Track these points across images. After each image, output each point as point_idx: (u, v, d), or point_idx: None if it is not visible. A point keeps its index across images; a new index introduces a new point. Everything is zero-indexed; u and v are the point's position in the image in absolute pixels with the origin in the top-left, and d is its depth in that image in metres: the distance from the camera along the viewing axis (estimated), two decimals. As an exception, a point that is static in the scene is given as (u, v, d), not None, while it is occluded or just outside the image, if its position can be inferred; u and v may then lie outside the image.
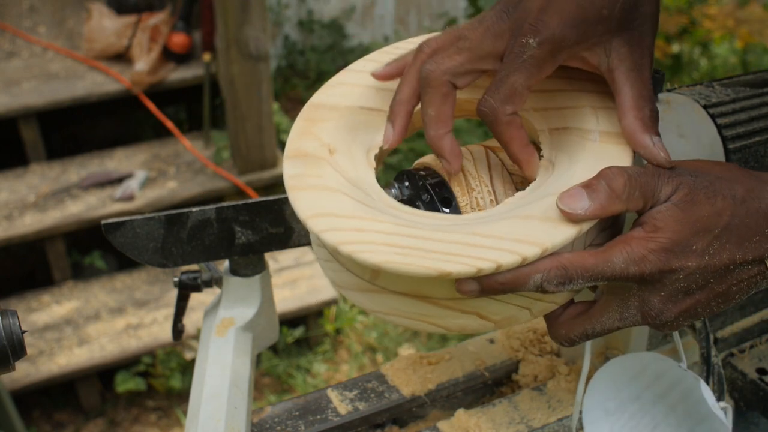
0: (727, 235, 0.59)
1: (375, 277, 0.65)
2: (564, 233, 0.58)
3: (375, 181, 0.69)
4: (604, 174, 0.59)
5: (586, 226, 0.58)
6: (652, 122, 0.63)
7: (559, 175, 0.63)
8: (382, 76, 0.72)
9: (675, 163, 0.62)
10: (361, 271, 0.65)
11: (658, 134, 0.63)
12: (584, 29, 0.62)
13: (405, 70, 0.69)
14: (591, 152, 0.64)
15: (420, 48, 0.67)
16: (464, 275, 0.57)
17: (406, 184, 0.71)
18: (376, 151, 0.71)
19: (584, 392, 0.83)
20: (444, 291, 0.62)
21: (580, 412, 0.82)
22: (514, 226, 0.59)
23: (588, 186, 0.59)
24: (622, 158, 0.63)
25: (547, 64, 0.63)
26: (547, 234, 0.58)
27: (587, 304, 0.65)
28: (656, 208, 0.59)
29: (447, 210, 0.67)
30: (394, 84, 0.72)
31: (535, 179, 0.66)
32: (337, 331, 3.01)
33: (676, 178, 0.60)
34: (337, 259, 0.68)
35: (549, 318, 0.66)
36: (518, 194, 0.64)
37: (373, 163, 0.70)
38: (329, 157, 0.68)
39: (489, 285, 0.59)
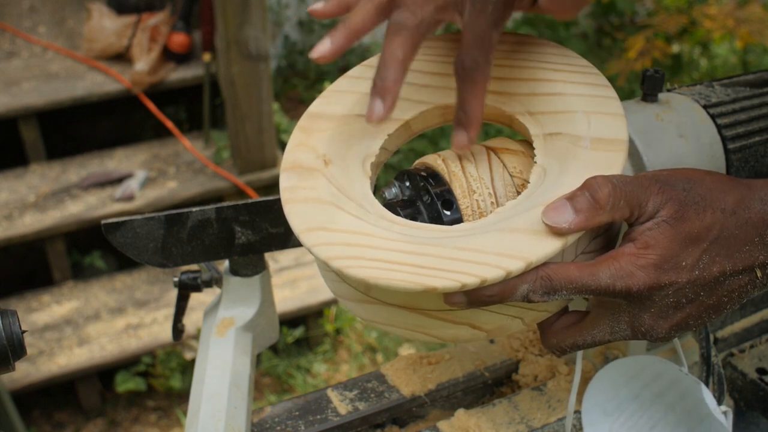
0: (716, 248, 0.59)
1: (368, 289, 0.66)
2: (549, 246, 0.58)
3: (370, 191, 0.69)
4: (588, 185, 0.59)
5: (572, 238, 0.59)
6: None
7: (549, 184, 0.63)
8: (321, 13, 0.72)
9: (668, 173, 0.62)
10: (355, 282, 0.66)
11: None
12: None
13: (357, 5, 0.70)
14: (581, 160, 0.64)
15: None
16: (449, 290, 0.58)
17: (407, 183, 0.71)
18: (372, 159, 0.72)
19: (575, 400, 0.83)
20: (434, 303, 0.63)
21: (576, 413, 0.83)
22: (499, 240, 0.59)
23: (572, 198, 0.59)
24: (612, 166, 0.62)
25: (507, 14, 0.67)
26: (531, 247, 0.58)
27: (580, 314, 0.65)
28: (647, 224, 0.59)
29: (448, 212, 0.67)
30: None
31: (467, 144, 0.69)
32: (337, 331, 3.01)
33: (667, 191, 0.59)
34: (332, 270, 0.69)
35: (542, 326, 0.66)
36: (509, 203, 0.64)
37: (369, 173, 0.71)
38: (324, 169, 0.69)
39: (476, 297, 0.59)
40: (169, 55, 3.29)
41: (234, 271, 0.95)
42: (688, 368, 0.78)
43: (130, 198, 2.97)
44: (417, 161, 0.73)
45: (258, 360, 2.83)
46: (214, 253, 0.91)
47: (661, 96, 0.81)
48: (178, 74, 3.30)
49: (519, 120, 0.71)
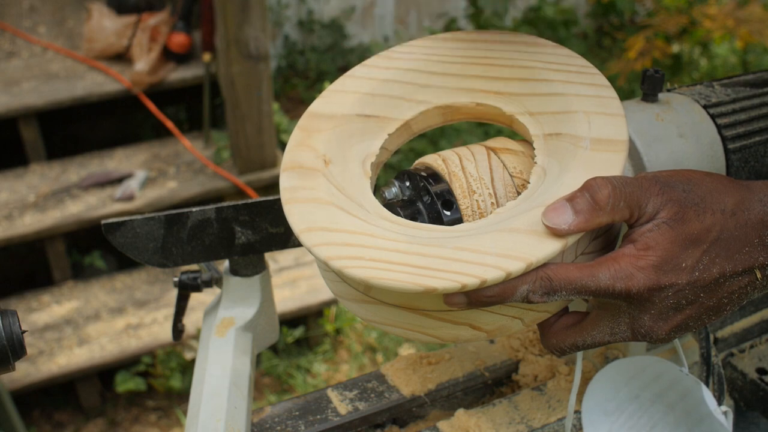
0: (716, 249, 0.59)
1: (368, 290, 0.66)
2: (549, 247, 0.58)
3: (369, 190, 0.69)
4: (588, 185, 0.59)
5: (572, 240, 0.59)
6: None
7: (549, 185, 0.63)
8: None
9: (668, 174, 0.62)
10: (355, 282, 0.66)
11: None
12: None
13: None
14: (581, 161, 0.64)
15: None
16: (449, 291, 0.58)
17: (407, 184, 0.71)
18: (372, 159, 0.72)
19: (575, 400, 0.83)
20: (434, 304, 0.63)
21: (576, 413, 0.83)
22: (500, 240, 0.59)
23: (572, 199, 0.59)
24: (612, 167, 0.63)
25: None
26: (531, 248, 0.58)
27: (580, 315, 0.65)
28: (647, 225, 0.59)
29: (448, 212, 0.67)
30: (389, 89, 0.72)
31: None
32: (337, 331, 3.01)
33: (667, 192, 0.60)
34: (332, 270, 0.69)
35: (542, 326, 0.66)
36: (509, 204, 0.64)
37: (369, 172, 0.71)
38: (324, 169, 0.69)
39: (476, 298, 0.59)
40: (169, 55, 3.29)
41: (234, 271, 0.95)
42: (688, 368, 0.78)
43: (130, 198, 2.97)
44: (417, 161, 0.73)
45: (258, 360, 2.83)
46: (214, 253, 0.91)
47: (661, 96, 0.81)
48: (178, 74, 3.30)
49: (519, 120, 0.71)
